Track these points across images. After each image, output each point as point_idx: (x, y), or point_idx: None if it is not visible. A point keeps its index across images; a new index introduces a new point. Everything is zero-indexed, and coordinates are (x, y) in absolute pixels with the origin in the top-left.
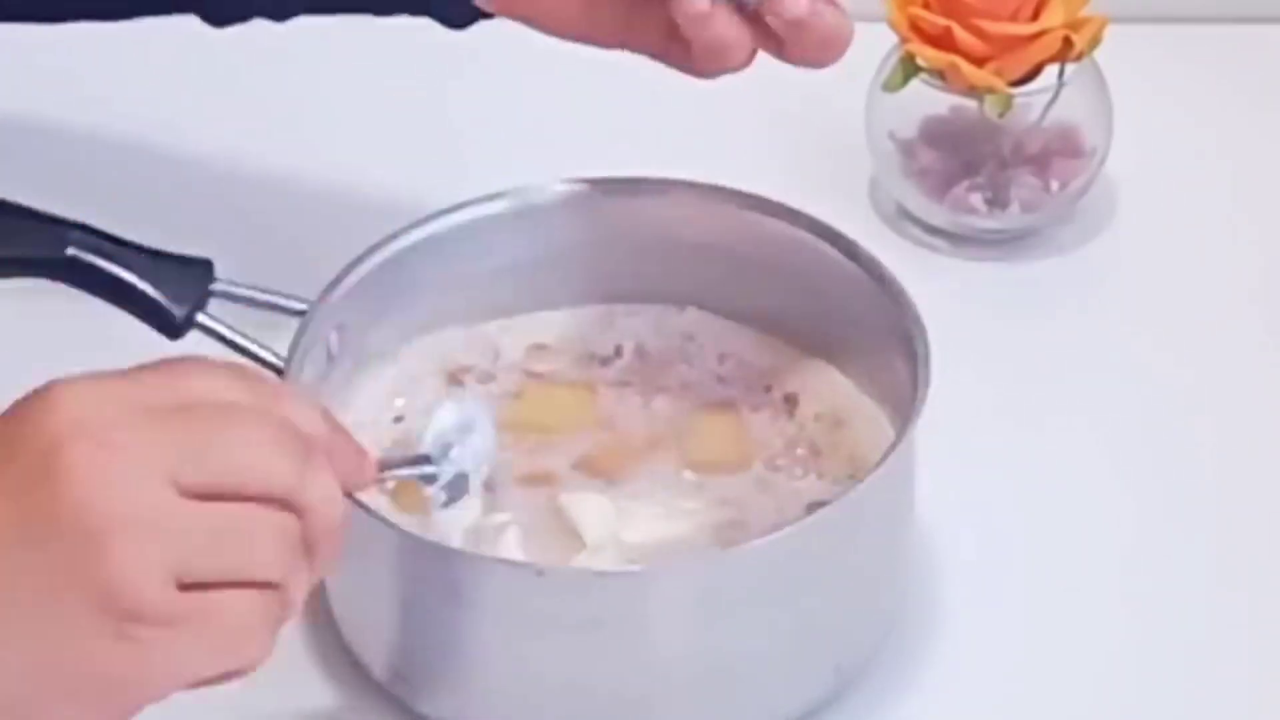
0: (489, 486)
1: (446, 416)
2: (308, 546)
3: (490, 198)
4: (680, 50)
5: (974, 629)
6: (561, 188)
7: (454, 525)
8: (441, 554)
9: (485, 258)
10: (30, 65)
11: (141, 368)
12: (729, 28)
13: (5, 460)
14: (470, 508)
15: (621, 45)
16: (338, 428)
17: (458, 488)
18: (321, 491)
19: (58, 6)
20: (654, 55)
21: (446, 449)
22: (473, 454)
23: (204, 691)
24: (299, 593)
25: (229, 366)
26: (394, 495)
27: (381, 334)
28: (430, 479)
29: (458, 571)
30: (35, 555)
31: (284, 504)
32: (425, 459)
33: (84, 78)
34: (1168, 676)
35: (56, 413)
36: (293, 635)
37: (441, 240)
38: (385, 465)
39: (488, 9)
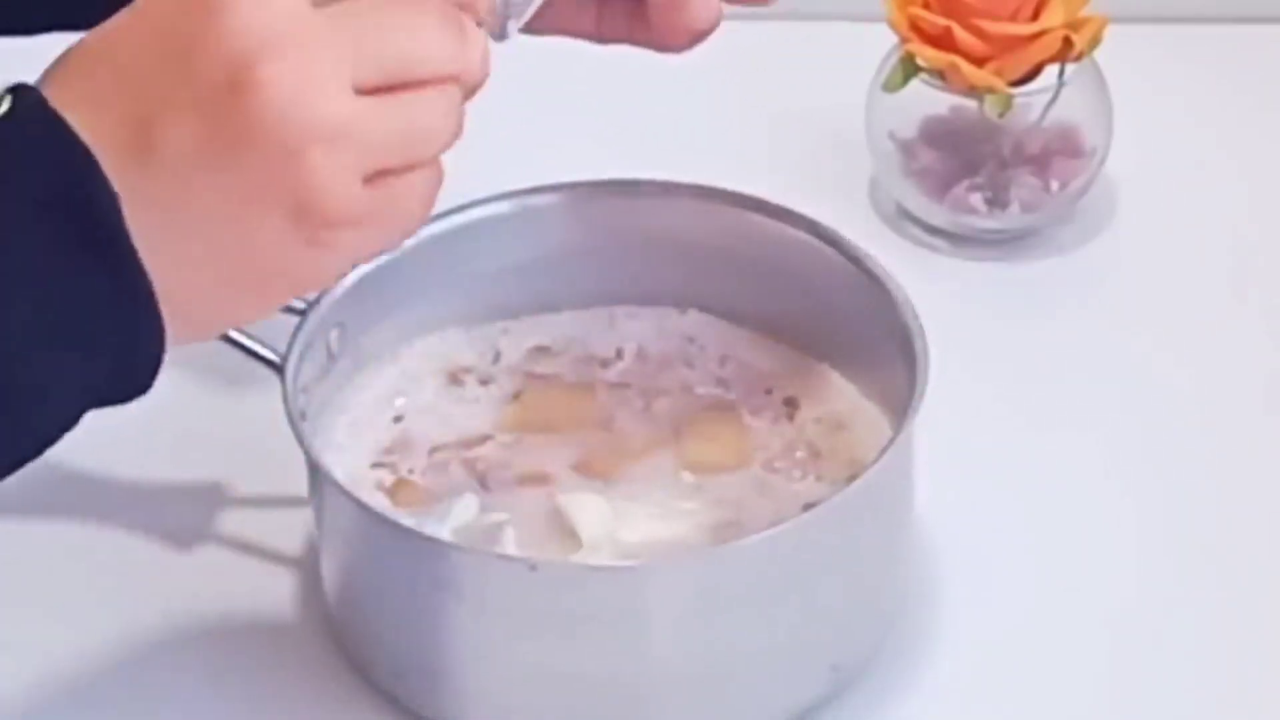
0: (488, 486)
1: None
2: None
3: (492, 199)
4: (643, 29)
5: (972, 629)
6: (562, 189)
7: (449, 523)
8: (436, 549)
9: (486, 259)
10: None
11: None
12: None
13: (186, 75)
14: (468, 506)
15: (595, 37)
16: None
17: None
18: (479, 57)
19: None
20: (623, 40)
21: None
22: None
23: (199, 687)
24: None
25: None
26: (391, 491)
27: (382, 334)
28: None
29: (452, 566)
30: (230, 169)
31: (454, 80)
32: None
33: None
34: (1167, 676)
35: (234, 27)
36: (287, 629)
37: (442, 241)
38: None
39: None
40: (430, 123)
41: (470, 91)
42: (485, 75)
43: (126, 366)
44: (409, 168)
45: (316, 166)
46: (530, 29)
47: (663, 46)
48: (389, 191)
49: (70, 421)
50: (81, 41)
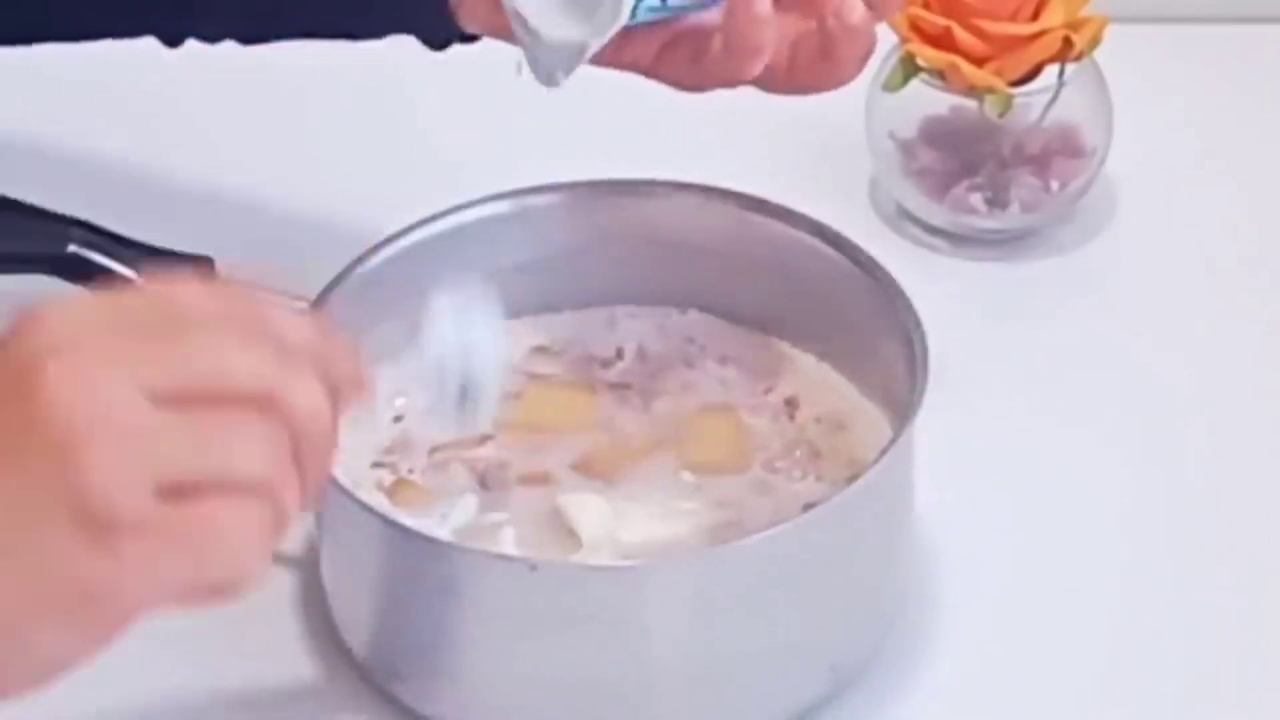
0: (489, 486)
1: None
2: (296, 457)
3: (491, 199)
4: (669, 64)
5: (971, 629)
6: (563, 189)
7: (449, 523)
8: (436, 548)
9: (486, 259)
10: (32, 64)
11: (132, 290)
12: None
13: None
14: (468, 506)
15: (611, 64)
16: (331, 338)
17: (472, 397)
18: (305, 394)
19: (23, 30)
20: (644, 72)
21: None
22: (480, 364)
23: (198, 687)
24: (290, 502)
25: (218, 286)
26: (390, 491)
27: (381, 334)
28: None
29: (452, 566)
30: (10, 470)
31: (264, 405)
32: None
33: (86, 76)
34: (1166, 676)
35: (37, 332)
36: (287, 629)
37: (442, 241)
38: None
39: (471, 30)
40: (235, 443)
41: (299, 447)
42: (313, 421)
43: None
44: (211, 489)
45: (91, 462)
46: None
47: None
48: (187, 511)
49: None
50: None
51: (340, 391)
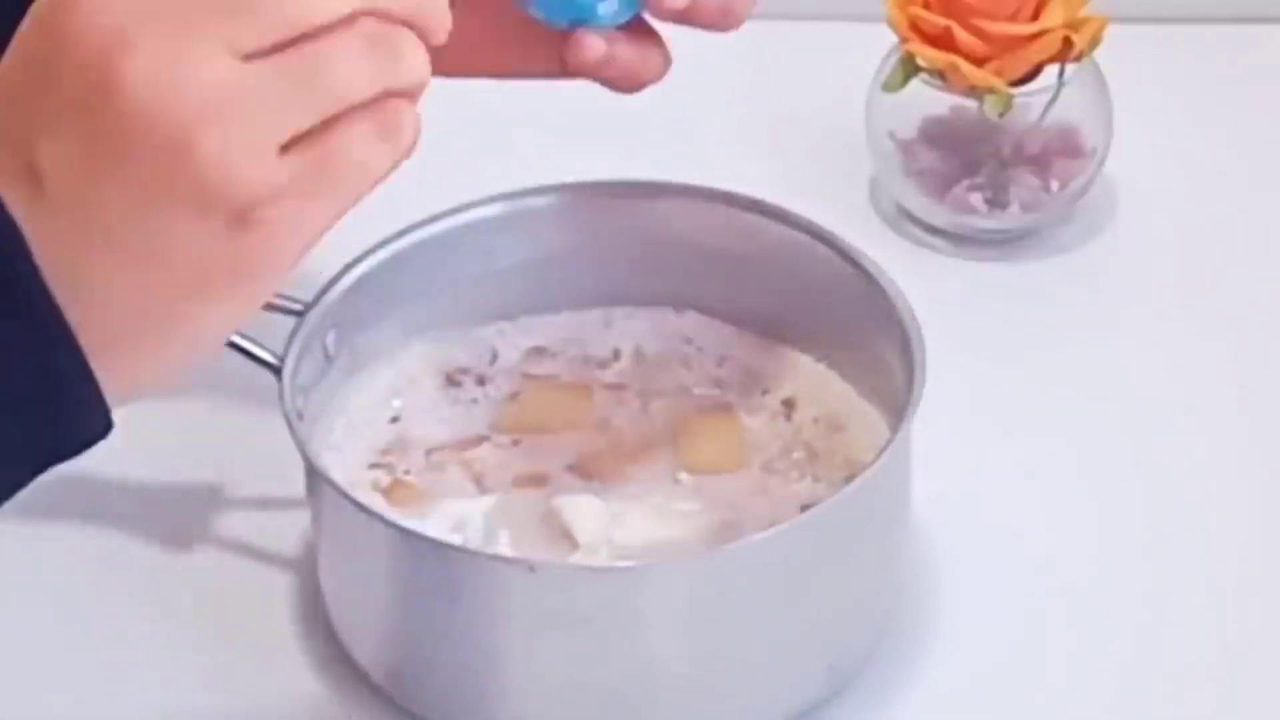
0: (485, 487)
1: None
2: (404, 32)
3: (488, 200)
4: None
5: (969, 630)
6: (559, 190)
7: (445, 524)
8: (434, 549)
9: (483, 260)
10: None
11: None
12: (632, 52)
13: (49, 92)
14: (464, 507)
15: (562, 74)
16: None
17: None
18: None
19: None
20: (589, 77)
21: None
22: None
23: (196, 690)
24: (415, 70)
25: None
26: (387, 492)
27: (379, 335)
28: None
29: (450, 567)
30: (119, 178)
31: (351, 22)
32: None
33: None
34: (1165, 676)
35: (82, 28)
36: (285, 630)
37: (440, 242)
38: None
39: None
40: (340, 70)
41: (404, 21)
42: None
43: (60, 416)
44: (330, 124)
45: (208, 149)
46: (491, 73)
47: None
48: (316, 153)
49: (18, 485)
50: None
51: None
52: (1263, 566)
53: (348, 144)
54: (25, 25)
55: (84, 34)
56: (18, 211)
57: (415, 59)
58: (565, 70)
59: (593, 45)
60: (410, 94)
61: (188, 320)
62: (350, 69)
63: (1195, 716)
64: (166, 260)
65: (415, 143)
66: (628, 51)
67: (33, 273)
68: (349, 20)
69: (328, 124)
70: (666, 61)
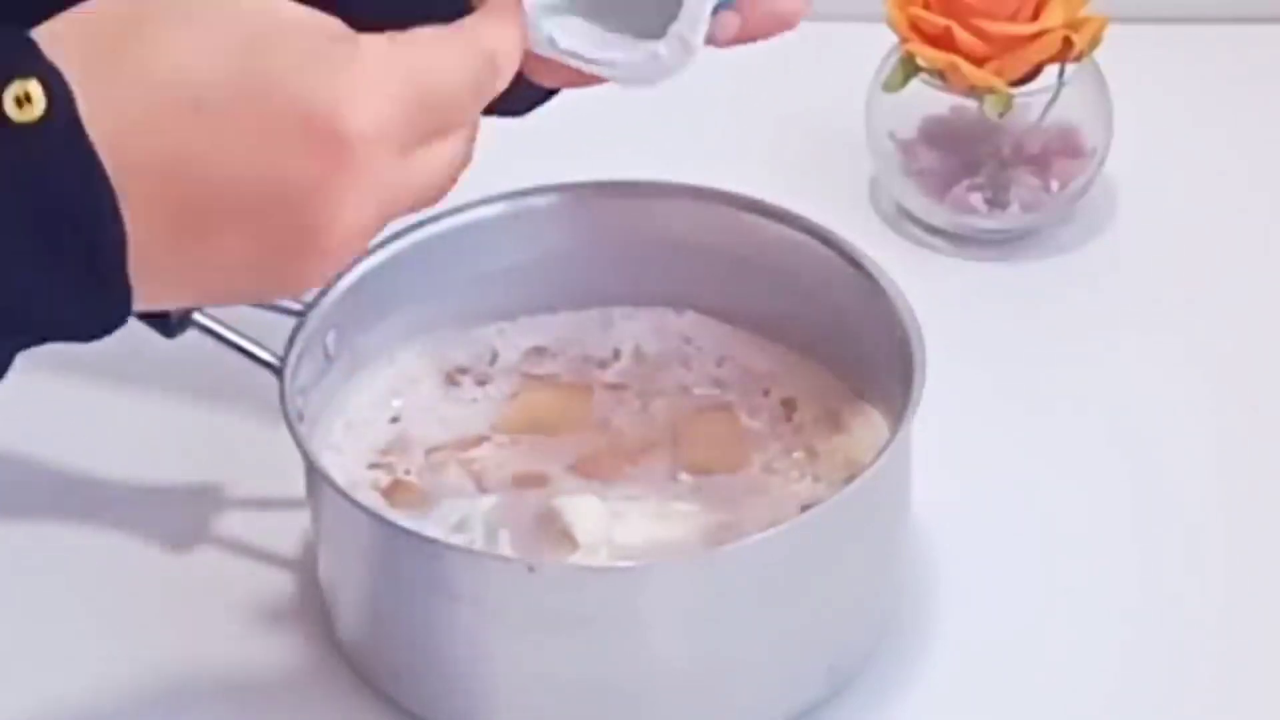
0: (485, 487)
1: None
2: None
3: (488, 200)
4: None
5: (968, 630)
6: (560, 190)
7: (445, 524)
8: (434, 550)
9: (483, 260)
10: None
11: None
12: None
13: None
14: (464, 507)
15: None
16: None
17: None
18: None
19: None
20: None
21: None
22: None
23: (198, 689)
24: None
25: (466, 67)
26: (387, 492)
27: (379, 335)
28: None
29: (450, 568)
30: (258, 230)
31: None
32: None
33: None
34: (1163, 676)
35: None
36: (285, 632)
37: (439, 242)
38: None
39: (549, 85)
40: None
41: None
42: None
43: (86, 284)
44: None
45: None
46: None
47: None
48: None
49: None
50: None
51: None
52: (1263, 566)
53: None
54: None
55: (343, 139)
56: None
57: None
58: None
59: (728, 22)
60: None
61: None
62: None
63: (1194, 716)
64: (259, 287)
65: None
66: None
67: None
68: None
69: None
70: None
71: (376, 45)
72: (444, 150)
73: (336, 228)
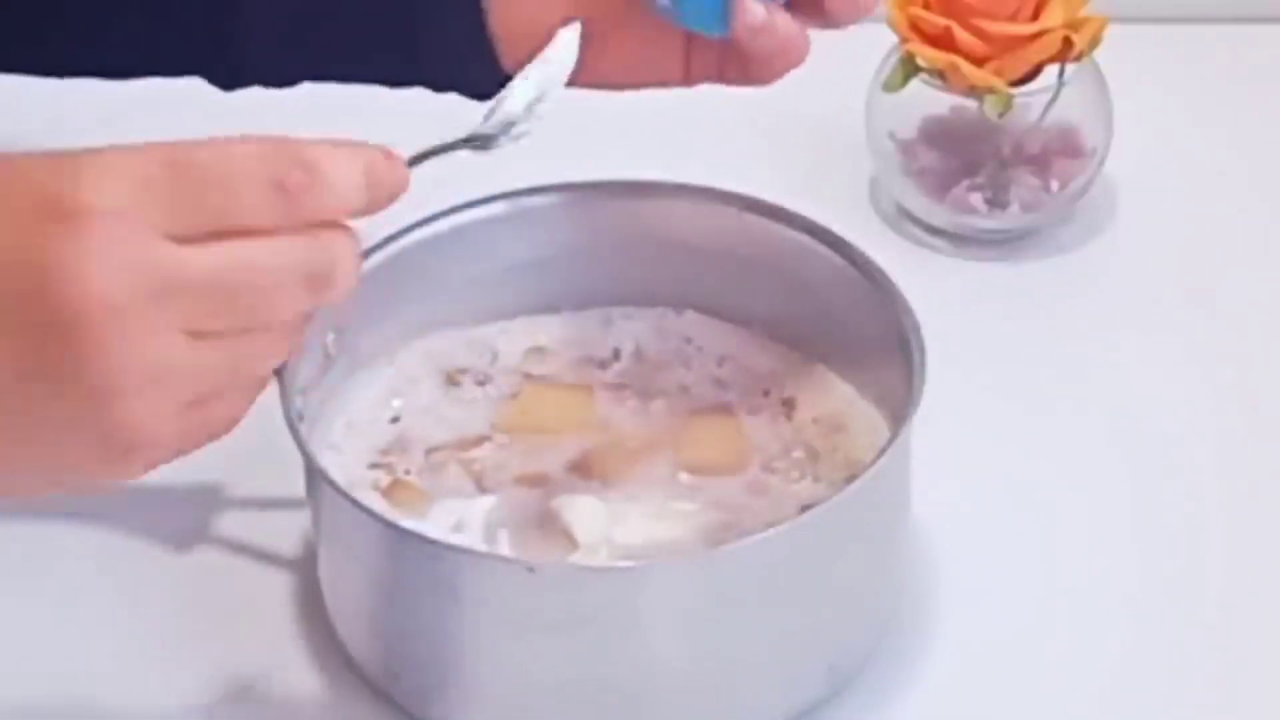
0: (485, 487)
1: (516, 98)
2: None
3: (488, 200)
4: (737, 68)
5: (968, 630)
6: (560, 190)
7: (445, 524)
8: (434, 550)
9: (483, 260)
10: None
11: (182, 172)
12: (788, 27)
13: (22, 296)
14: (464, 507)
15: (684, 82)
16: (385, 169)
17: (513, 136)
18: (343, 278)
19: (64, 63)
20: (713, 80)
21: (509, 125)
22: (539, 116)
23: (196, 689)
24: (340, 280)
25: (259, 156)
26: (387, 492)
27: (379, 335)
28: (481, 147)
29: (450, 568)
30: (44, 393)
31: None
32: (480, 138)
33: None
34: (1165, 676)
35: (83, 271)
36: (284, 630)
37: (439, 242)
38: (422, 156)
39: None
40: (257, 362)
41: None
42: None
43: None
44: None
45: (133, 410)
46: (614, 84)
47: (752, 82)
48: (204, 414)
49: None
50: None
51: (378, 186)
52: (1264, 566)
53: (225, 410)
54: (19, 209)
55: (81, 282)
56: None
57: (345, 262)
58: (688, 77)
59: (754, 9)
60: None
61: (31, 492)
62: (265, 360)
63: (1194, 715)
64: (43, 461)
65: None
66: (785, 22)
67: None
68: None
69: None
70: (808, 45)
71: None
72: (250, 251)
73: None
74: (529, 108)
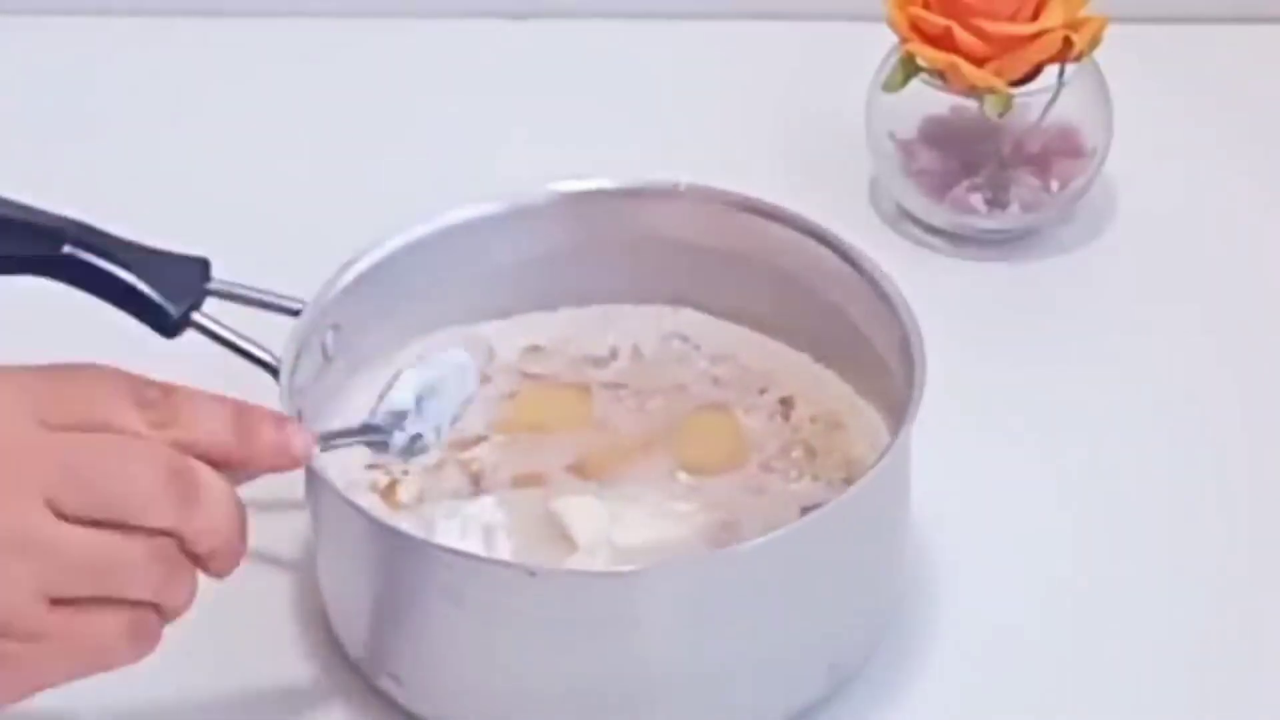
0: (483, 487)
1: (404, 388)
2: (195, 559)
3: (488, 199)
4: None
5: (968, 629)
6: (557, 189)
7: (444, 525)
8: (433, 554)
9: (481, 259)
10: (28, 64)
11: (49, 372)
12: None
13: None
14: (462, 509)
15: None
16: (258, 416)
17: (415, 449)
18: (205, 524)
19: None
20: None
21: (400, 417)
22: (433, 417)
23: (195, 692)
24: (180, 601)
25: (129, 379)
26: (384, 493)
27: (377, 334)
28: (381, 446)
29: (450, 571)
30: None
31: (166, 534)
32: (373, 429)
33: (82, 76)
34: (1165, 675)
35: None
36: (284, 632)
37: (437, 241)
38: (330, 437)
39: None
40: (131, 566)
41: (196, 558)
42: (211, 544)
43: None
44: (100, 601)
45: None
46: None
47: None
48: (73, 620)
49: None
50: None
51: (278, 462)
52: (1265, 566)
53: (104, 628)
54: None
55: None
56: None
57: (185, 593)
58: None
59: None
60: (168, 615)
61: None
62: (140, 573)
63: (1194, 715)
64: None
65: (153, 650)
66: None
67: None
68: (157, 531)
69: (98, 601)
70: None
71: None
72: (109, 442)
73: None
74: (419, 405)
